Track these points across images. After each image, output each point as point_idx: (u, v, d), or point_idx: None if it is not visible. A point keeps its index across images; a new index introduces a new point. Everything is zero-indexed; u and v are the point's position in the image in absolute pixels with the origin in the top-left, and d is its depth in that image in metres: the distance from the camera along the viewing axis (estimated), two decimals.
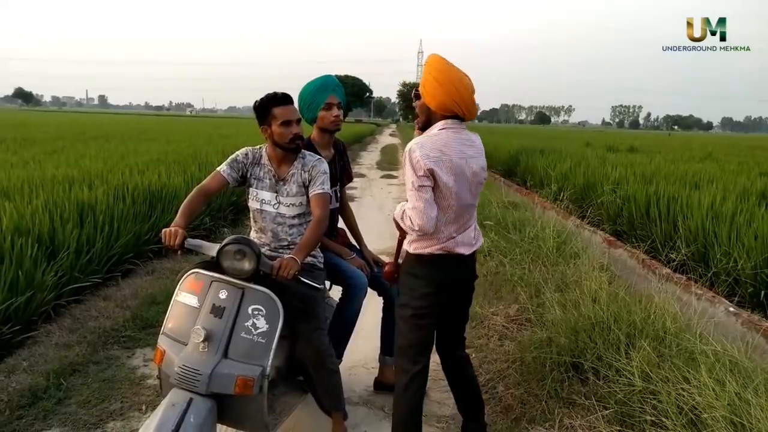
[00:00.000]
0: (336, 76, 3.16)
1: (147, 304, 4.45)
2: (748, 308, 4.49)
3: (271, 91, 2.65)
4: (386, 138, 43.57)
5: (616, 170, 9.57)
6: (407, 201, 2.29)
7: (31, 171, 7.10)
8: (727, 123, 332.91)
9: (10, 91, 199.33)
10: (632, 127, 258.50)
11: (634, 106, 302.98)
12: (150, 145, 13.55)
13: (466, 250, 2.38)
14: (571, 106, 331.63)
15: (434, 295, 2.39)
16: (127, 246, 5.23)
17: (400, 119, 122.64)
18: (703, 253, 5.41)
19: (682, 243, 5.41)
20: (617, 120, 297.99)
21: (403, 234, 2.49)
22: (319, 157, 2.75)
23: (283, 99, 2.61)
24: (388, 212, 9.15)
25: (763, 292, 4.51)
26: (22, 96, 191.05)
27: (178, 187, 6.93)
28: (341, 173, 3.26)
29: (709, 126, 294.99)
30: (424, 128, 2.41)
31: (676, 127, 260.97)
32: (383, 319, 3.27)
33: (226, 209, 7.63)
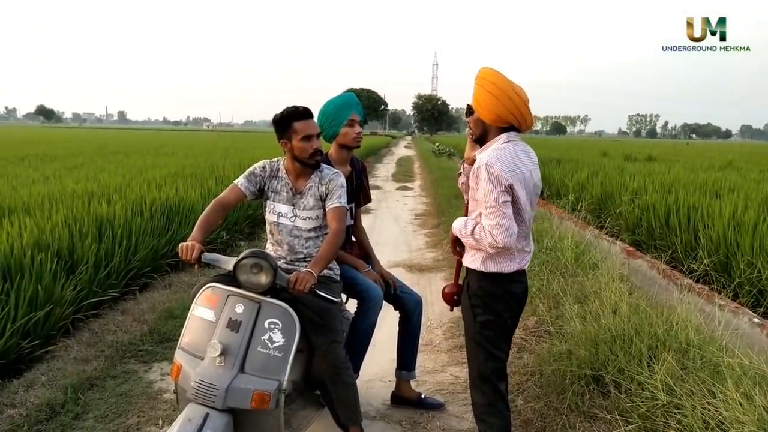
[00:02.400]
0: (351, 88, 3.20)
1: (164, 318, 4.46)
2: None
3: (291, 105, 2.65)
4: (401, 150, 43.63)
5: (634, 180, 9.48)
6: (480, 217, 2.22)
7: (51, 186, 7.20)
8: (747, 131, 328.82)
9: (32, 108, 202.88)
10: (649, 137, 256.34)
11: (650, 115, 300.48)
12: (168, 160, 13.69)
13: (529, 261, 2.40)
14: (587, 115, 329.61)
15: (513, 312, 2.38)
16: (144, 260, 5.26)
17: (416, 131, 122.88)
18: (726, 263, 5.31)
19: (703, 253, 5.32)
20: (634, 129, 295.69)
21: (460, 254, 2.45)
22: (336, 170, 2.75)
23: (305, 113, 2.61)
24: (404, 224, 9.13)
25: None
26: (44, 113, 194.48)
27: (195, 201, 6.98)
28: (357, 192, 3.25)
29: (728, 134, 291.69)
30: (478, 141, 2.39)
31: (694, 136, 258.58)
32: (400, 333, 3.24)
33: (242, 222, 7.67)
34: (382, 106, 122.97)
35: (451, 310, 2.71)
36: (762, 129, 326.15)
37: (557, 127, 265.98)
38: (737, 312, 4.30)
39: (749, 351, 2.76)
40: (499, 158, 2.17)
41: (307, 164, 2.62)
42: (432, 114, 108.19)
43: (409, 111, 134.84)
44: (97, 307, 4.50)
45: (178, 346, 2.32)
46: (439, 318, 4.69)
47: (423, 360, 3.99)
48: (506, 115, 2.23)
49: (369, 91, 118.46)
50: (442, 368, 3.88)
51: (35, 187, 7.04)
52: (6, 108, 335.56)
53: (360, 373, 3.07)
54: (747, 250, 5.08)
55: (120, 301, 4.81)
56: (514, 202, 2.20)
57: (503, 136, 2.28)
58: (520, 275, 2.36)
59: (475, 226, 2.23)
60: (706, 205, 6.54)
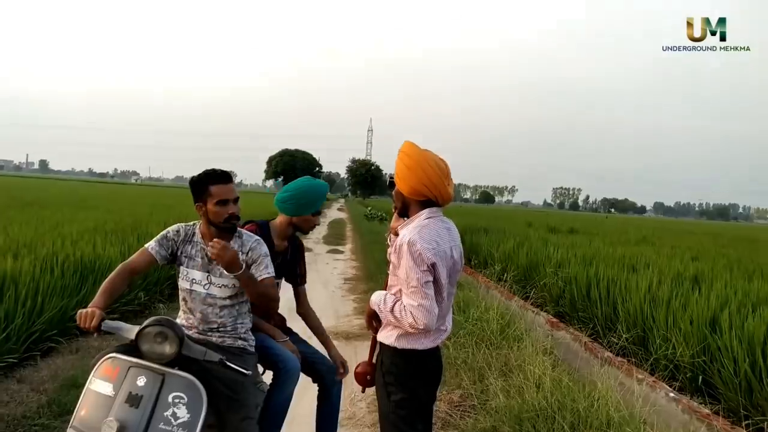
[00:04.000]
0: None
1: (66, 387, 4.10)
2: (688, 393, 4.51)
3: (209, 168, 2.56)
4: (334, 212, 43.66)
5: (557, 252, 9.77)
6: (400, 293, 2.16)
7: None
8: (660, 207, 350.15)
9: None
10: (572, 209, 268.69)
11: (573, 189, 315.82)
12: (88, 213, 13.07)
13: (444, 339, 2.34)
14: (514, 186, 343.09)
15: (428, 389, 2.31)
16: (51, 322, 4.88)
17: (349, 194, 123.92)
18: (643, 337, 5.47)
19: (622, 327, 5.47)
20: (558, 201, 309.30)
21: (376, 329, 2.37)
22: (257, 237, 2.65)
23: (222, 176, 2.52)
24: (332, 288, 8.98)
25: (701, 378, 4.55)
26: None
27: (113, 259, 6.61)
28: (291, 268, 3.17)
29: (643, 210, 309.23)
30: (402, 215, 2.36)
31: (612, 210, 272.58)
32: (318, 407, 3.09)
33: (163, 283, 7.31)
34: (317, 168, 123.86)
35: (363, 391, 2.60)
36: (672, 206, 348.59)
37: (486, 197, 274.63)
38: (655, 386, 4.38)
39: (665, 426, 2.79)
40: (422, 236, 2.15)
41: (222, 228, 2.52)
42: (366, 178, 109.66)
43: (344, 174, 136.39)
44: None
45: (70, 425, 2.10)
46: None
47: None
48: (420, 188, 2.22)
49: (304, 153, 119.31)
50: None
51: None
52: None
53: None
54: (662, 325, 5.25)
55: (17, 368, 4.39)
56: (435, 281, 2.17)
57: (425, 212, 2.26)
58: (434, 351, 2.31)
59: (395, 303, 2.17)
60: (623, 279, 6.79)
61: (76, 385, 4.10)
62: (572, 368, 4.62)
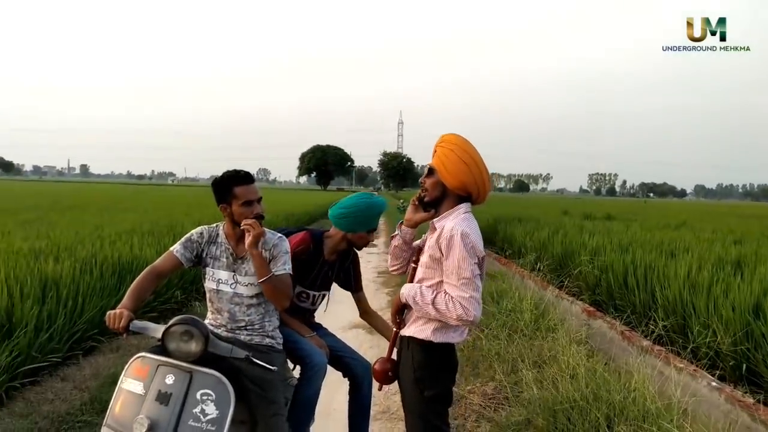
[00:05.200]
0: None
1: (108, 384, 4.20)
2: (730, 382, 4.38)
3: (231, 169, 2.58)
4: None
5: (593, 239, 9.59)
6: (439, 286, 2.16)
7: None
8: (701, 190, 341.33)
9: None
10: (609, 195, 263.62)
11: (610, 174, 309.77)
12: (126, 215, 13.39)
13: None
14: (549, 174, 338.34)
15: (454, 382, 2.33)
16: (92, 322, 5.00)
17: (381, 187, 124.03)
18: (683, 325, 5.33)
19: (659, 314, 5.34)
20: (594, 188, 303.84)
21: (400, 324, 2.36)
22: (280, 234, 2.66)
23: (245, 178, 2.54)
24: (366, 282, 8.97)
25: (744, 366, 4.41)
26: (2, 165, 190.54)
27: (149, 259, 6.74)
28: (341, 278, 3.21)
29: (683, 193, 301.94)
30: (429, 205, 2.32)
31: (651, 195, 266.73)
32: (350, 401, 3.10)
33: (199, 282, 7.42)
34: (349, 163, 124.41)
35: (380, 389, 2.59)
36: (714, 189, 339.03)
37: (520, 185, 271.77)
38: (695, 375, 4.27)
39: (706, 418, 2.71)
40: (472, 229, 2.15)
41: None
42: (398, 171, 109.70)
43: (376, 168, 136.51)
44: (35, 373, 4.22)
45: (104, 423, 2.15)
46: (396, 383, 4.53)
47: (379, 428, 3.84)
48: (471, 185, 2.21)
49: (335, 148, 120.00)
50: None
51: None
52: None
53: None
54: (702, 312, 5.11)
55: (61, 367, 4.53)
56: (480, 275, 2.16)
57: (464, 206, 2.25)
58: (455, 345, 2.31)
59: (436, 295, 2.14)
60: (662, 265, 6.62)
61: (116, 382, 4.20)
62: (609, 358, 4.54)
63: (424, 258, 2.25)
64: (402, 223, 2.45)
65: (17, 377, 3.99)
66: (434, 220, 2.27)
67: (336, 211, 3.03)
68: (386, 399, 4.23)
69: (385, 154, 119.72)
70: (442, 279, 2.16)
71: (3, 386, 3.82)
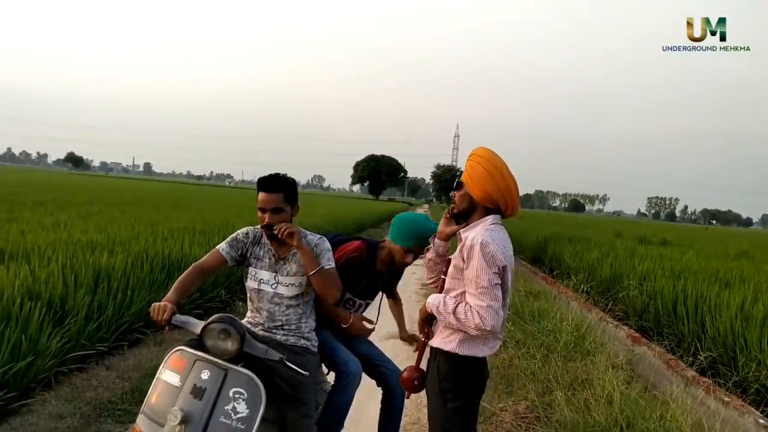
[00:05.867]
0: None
1: (149, 376, 4.34)
2: None
3: (273, 173, 2.65)
4: None
5: (643, 263, 9.32)
6: (462, 296, 2.18)
7: (59, 234, 7.24)
8: None
9: (62, 155, 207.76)
10: (668, 219, 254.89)
11: (670, 198, 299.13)
12: (182, 214, 13.81)
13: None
14: (606, 194, 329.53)
15: (480, 396, 2.34)
16: (139, 314, 5.19)
17: (433, 200, 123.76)
18: (732, 358, 5.12)
19: (708, 345, 5.15)
20: (653, 211, 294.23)
21: (428, 334, 2.38)
22: (320, 236, 2.73)
23: (266, 185, 2.58)
24: (409, 293, 9.01)
25: None
26: (73, 160, 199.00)
27: (197, 257, 6.88)
28: (384, 287, 3.34)
29: (749, 222, 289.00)
30: (459, 217, 2.35)
31: (714, 222, 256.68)
32: (382, 410, 3.13)
33: (243, 282, 7.59)
34: (402, 174, 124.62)
35: (408, 397, 2.62)
36: None
37: (575, 205, 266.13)
38: (742, 411, 4.10)
39: None
40: (494, 239, 2.15)
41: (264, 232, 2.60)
42: (450, 184, 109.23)
43: (429, 180, 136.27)
44: (83, 360, 4.42)
45: (141, 410, 2.24)
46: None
47: None
48: (497, 195, 2.21)
49: (389, 159, 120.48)
50: None
51: (42, 234, 7.09)
52: (38, 153, 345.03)
53: None
54: (755, 345, 4.90)
55: (107, 356, 4.72)
56: (502, 285, 2.15)
57: (491, 218, 2.26)
58: (485, 359, 2.30)
59: (457, 305, 2.16)
60: (714, 295, 6.38)
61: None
62: (650, 386, 4.41)
63: (450, 268, 2.27)
64: (435, 236, 2.48)
65: (66, 362, 4.18)
66: (461, 231, 2.29)
67: (400, 221, 3.09)
68: (417, 410, 4.23)
69: (438, 167, 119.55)
70: (466, 289, 2.17)
71: (52, 370, 4.01)
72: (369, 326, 3.13)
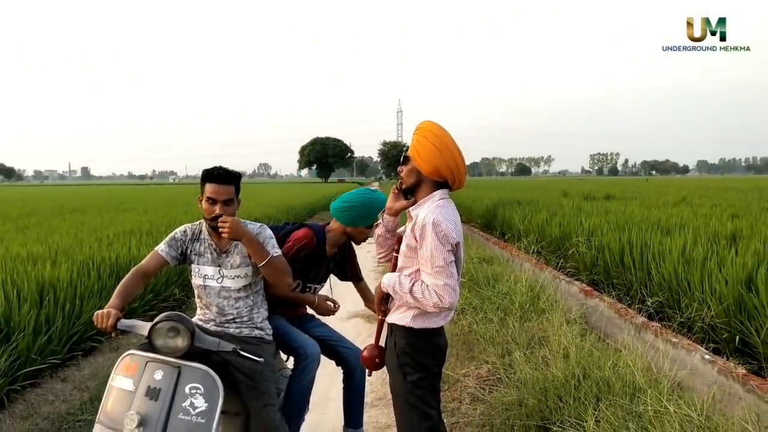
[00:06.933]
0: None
1: (107, 383, 4.26)
2: (724, 355, 4.41)
3: (216, 166, 2.60)
4: None
5: (590, 219, 9.59)
6: (417, 274, 2.19)
7: None
8: (703, 165, 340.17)
9: None
10: (611, 174, 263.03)
11: (611, 154, 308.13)
12: (126, 216, 13.42)
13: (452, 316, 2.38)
14: (550, 156, 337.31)
15: (441, 366, 2.35)
16: (91, 323, 5.02)
17: (383, 177, 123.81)
18: (678, 300, 5.34)
19: (655, 290, 5.36)
20: (596, 168, 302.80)
21: (385, 312, 2.39)
22: (260, 224, 2.70)
23: (217, 177, 2.54)
24: (366, 272, 9.01)
25: (738, 338, 4.44)
26: (3, 172, 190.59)
27: None
28: (340, 270, 3.28)
29: (685, 170, 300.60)
30: (407, 192, 2.35)
31: (654, 172, 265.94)
32: (344, 389, 3.15)
33: None
34: (349, 154, 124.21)
35: (369, 374, 2.64)
36: (717, 163, 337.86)
37: (522, 169, 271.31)
38: (689, 349, 4.29)
39: (693, 392, 2.74)
40: (445, 216, 2.15)
41: (210, 225, 2.56)
42: (398, 160, 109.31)
43: (376, 158, 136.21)
44: (35, 375, 4.27)
45: (96, 420, 2.20)
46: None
47: (376, 415, 3.88)
48: (444, 169, 2.22)
49: (335, 140, 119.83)
50: (394, 423, 3.75)
51: None
52: None
53: (310, 431, 2.96)
54: (697, 287, 5.12)
55: (61, 368, 4.58)
56: (456, 261, 2.18)
57: (438, 193, 2.26)
58: (441, 328, 2.34)
59: (413, 284, 2.17)
60: (657, 243, 6.63)
61: None
62: (605, 335, 4.57)
63: (402, 247, 2.28)
64: (384, 211, 2.47)
65: (17, 380, 4.04)
66: (411, 208, 2.29)
67: (338, 204, 3.05)
68: (383, 385, 4.27)
69: (384, 144, 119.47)
70: (419, 267, 2.19)
71: (3, 389, 3.87)
72: (334, 307, 3.13)
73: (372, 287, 3.06)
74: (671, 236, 7.10)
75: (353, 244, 3.26)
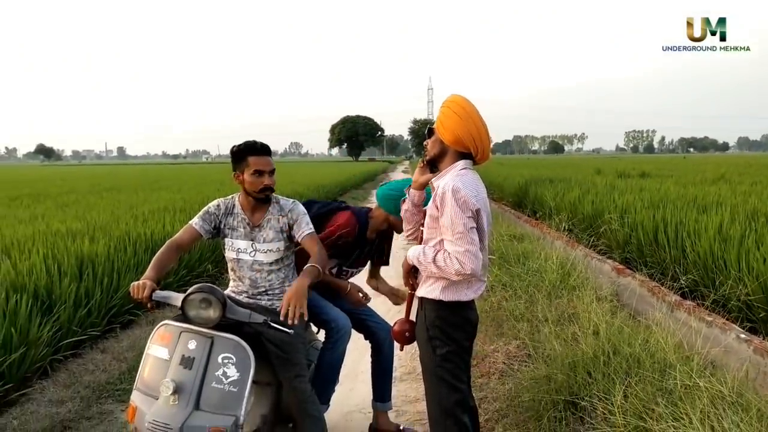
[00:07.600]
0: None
1: (144, 353, 4.40)
2: (761, 334, 4.32)
3: (251, 140, 2.64)
4: (399, 175, 43.64)
5: (623, 197, 9.43)
6: (440, 244, 2.17)
7: (37, 226, 7.16)
8: (744, 143, 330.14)
9: (32, 148, 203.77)
10: (647, 152, 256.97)
11: (647, 131, 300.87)
12: (160, 194, 13.69)
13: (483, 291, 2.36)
14: (584, 133, 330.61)
15: (471, 339, 2.35)
16: (128, 296, 5.19)
17: (413, 156, 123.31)
18: (713, 279, 5.24)
19: (689, 269, 5.27)
20: (631, 145, 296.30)
21: (413, 285, 2.40)
22: (293, 200, 2.73)
23: (261, 149, 2.60)
24: (395, 249, 9.05)
25: None
26: (44, 152, 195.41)
27: None
28: (372, 256, 3.27)
29: (725, 147, 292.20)
30: (431, 163, 2.34)
31: (691, 150, 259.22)
32: (372, 363, 3.20)
33: None
34: (379, 133, 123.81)
35: (401, 349, 2.64)
36: (759, 140, 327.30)
37: (555, 147, 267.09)
38: (724, 328, 4.23)
39: (725, 370, 2.71)
40: (465, 183, 2.15)
41: (257, 198, 2.60)
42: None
43: (407, 136, 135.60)
44: (76, 346, 4.44)
45: (134, 387, 2.29)
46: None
47: (405, 389, 3.93)
48: (467, 139, 2.21)
49: (366, 119, 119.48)
50: (423, 397, 3.80)
51: (20, 228, 7.01)
52: (6, 148, 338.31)
53: (339, 404, 3.02)
54: (733, 265, 5.01)
55: (101, 340, 4.75)
56: (478, 229, 2.17)
57: (461, 163, 2.25)
58: (472, 303, 2.33)
59: (436, 253, 2.17)
60: (692, 221, 6.49)
61: None
62: (636, 313, 4.52)
63: (426, 219, 2.28)
64: (410, 186, 2.47)
65: (59, 350, 4.20)
66: (434, 179, 2.29)
67: (385, 192, 3.02)
68: (412, 360, 4.32)
69: (415, 122, 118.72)
70: (443, 237, 2.18)
71: (47, 359, 4.03)
72: (364, 299, 3.09)
73: (398, 264, 3.07)
74: (707, 214, 6.94)
75: (392, 233, 3.22)
